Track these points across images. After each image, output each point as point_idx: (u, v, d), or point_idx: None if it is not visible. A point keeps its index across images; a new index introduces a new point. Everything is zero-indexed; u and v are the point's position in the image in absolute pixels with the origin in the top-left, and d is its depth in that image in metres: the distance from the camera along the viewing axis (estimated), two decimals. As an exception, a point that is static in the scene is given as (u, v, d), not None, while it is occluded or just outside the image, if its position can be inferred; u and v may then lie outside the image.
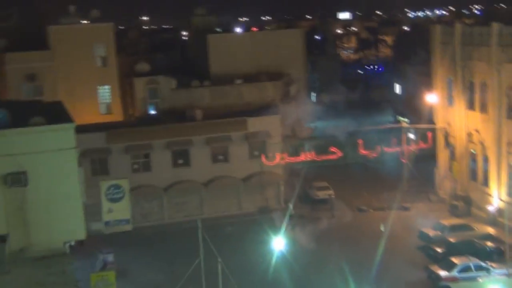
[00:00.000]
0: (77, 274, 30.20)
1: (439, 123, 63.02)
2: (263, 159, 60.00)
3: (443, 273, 44.47)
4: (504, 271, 44.31)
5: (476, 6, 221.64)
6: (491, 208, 54.98)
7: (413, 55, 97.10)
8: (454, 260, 45.23)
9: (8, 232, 28.20)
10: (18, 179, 29.26)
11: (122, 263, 48.11)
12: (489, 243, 49.11)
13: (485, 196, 56.32)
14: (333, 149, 60.58)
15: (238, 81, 69.15)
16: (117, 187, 35.69)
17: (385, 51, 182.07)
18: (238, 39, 79.76)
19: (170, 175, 59.46)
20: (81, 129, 38.76)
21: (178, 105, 65.01)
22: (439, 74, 62.75)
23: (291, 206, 58.36)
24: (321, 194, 63.09)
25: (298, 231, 53.43)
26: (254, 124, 61.10)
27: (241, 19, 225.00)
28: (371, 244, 50.33)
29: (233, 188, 60.79)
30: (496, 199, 54.89)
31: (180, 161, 60.11)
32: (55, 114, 33.54)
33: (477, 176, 58.07)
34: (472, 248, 47.72)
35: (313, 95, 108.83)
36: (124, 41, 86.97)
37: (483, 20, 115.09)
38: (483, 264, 44.88)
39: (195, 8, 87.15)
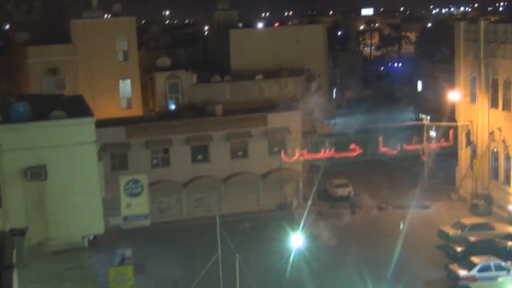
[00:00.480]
0: (95, 269, 30.41)
1: (461, 121, 62.61)
2: (283, 155, 59.92)
3: (462, 272, 44.21)
4: (524, 271, 44.01)
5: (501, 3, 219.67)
6: (512, 208, 54.60)
7: (436, 52, 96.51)
8: (474, 259, 44.94)
9: (27, 225, 28.41)
10: (37, 173, 29.46)
11: (140, 258, 48.36)
12: (509, 243, 48.74)
13: (507, 195, 55.90)
14: (353, 146, 60.36)
15: (259, 77, 69.05)
16: (136, 181, 35.82)
17: (408, 48, 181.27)
18: (259, 35, 79.64)
19: (189, 170, 59.56)
20: (101, 123, 39.04)
21: (198, 100, 65.03)
22: (462, 71, 62.31)
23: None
24: (340, 191, 62.95)
25: (317, 228, 53.33)
26: (274, 120, 61.05)
27: (263, 14, 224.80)
28: (389, 242, 50.16)
29: (252, 184, 60.81)
30: (517, 199, 54.50)
31: (200, 157, 60.22)
32: (76, 108, 33.76)
33: (498, 175, 57.66)
34: (492, 248, 47.38)
35: (334, 91, 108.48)
36: (146, 36, 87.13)
37: (508, 17, 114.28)
38: (503, 264, 44.58)
39: (217, 2, 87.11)
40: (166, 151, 59.36)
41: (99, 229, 31.31)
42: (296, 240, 46.07)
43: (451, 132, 62.04)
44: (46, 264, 27.99)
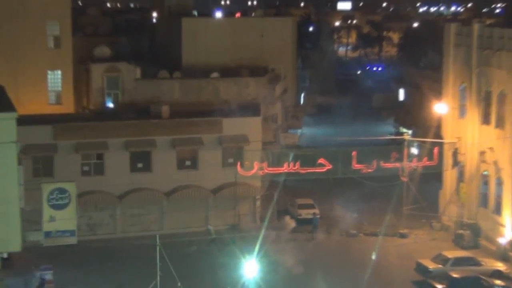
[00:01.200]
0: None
1: (448, 138, 63.31)
2: (239, 168, 59.95)
3: (442, 314, 44.62)
4: (513, 315, 44.58)
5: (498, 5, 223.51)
6: (502, 240, 55.23)
7: (422, 57, 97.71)
8: (456, 299, 45.43)
9: None
10: None
11: (62, 283, 47.90)
12: (497, 281, 49.35)
13: (496, 226, 56.58)
14: (321, 160, 60.64)
15: (215, 75, 69.09)
16: (62, 191, 35.55)
17: (390, 50, 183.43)
18: (217, 25, 79.89)
19: (127, 181, 59.26)
20: (24, 121, 38.62)
21: (141, 99, 64.89)
22: (450, 80, 63.05)
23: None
24: (304, 213, 63.24)
25: (275, 255, 53.39)
26: (231, 126, 61.08)
27: (222, 2, 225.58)
28: (359, 275, 50.34)
29: (200, 200, 60.72)
30: (508, 230, 55.15)
31: (140, 165, 59.95)
32: (-6, 100, 33.39)
33: (488, 202, 58.33)
34: (477, 286, 47.91)
35: (303, 96, 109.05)
36: (83, 20, 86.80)
37: (505, 20, 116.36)
38: (489, 305, 45.11)
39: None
40: (100, 156, 59.00)
41: (15, 245, 30.96)
42: (250, 268, 45.94)
43: (435, 150, 62.64)
44: (-51, 285, 27.52)
